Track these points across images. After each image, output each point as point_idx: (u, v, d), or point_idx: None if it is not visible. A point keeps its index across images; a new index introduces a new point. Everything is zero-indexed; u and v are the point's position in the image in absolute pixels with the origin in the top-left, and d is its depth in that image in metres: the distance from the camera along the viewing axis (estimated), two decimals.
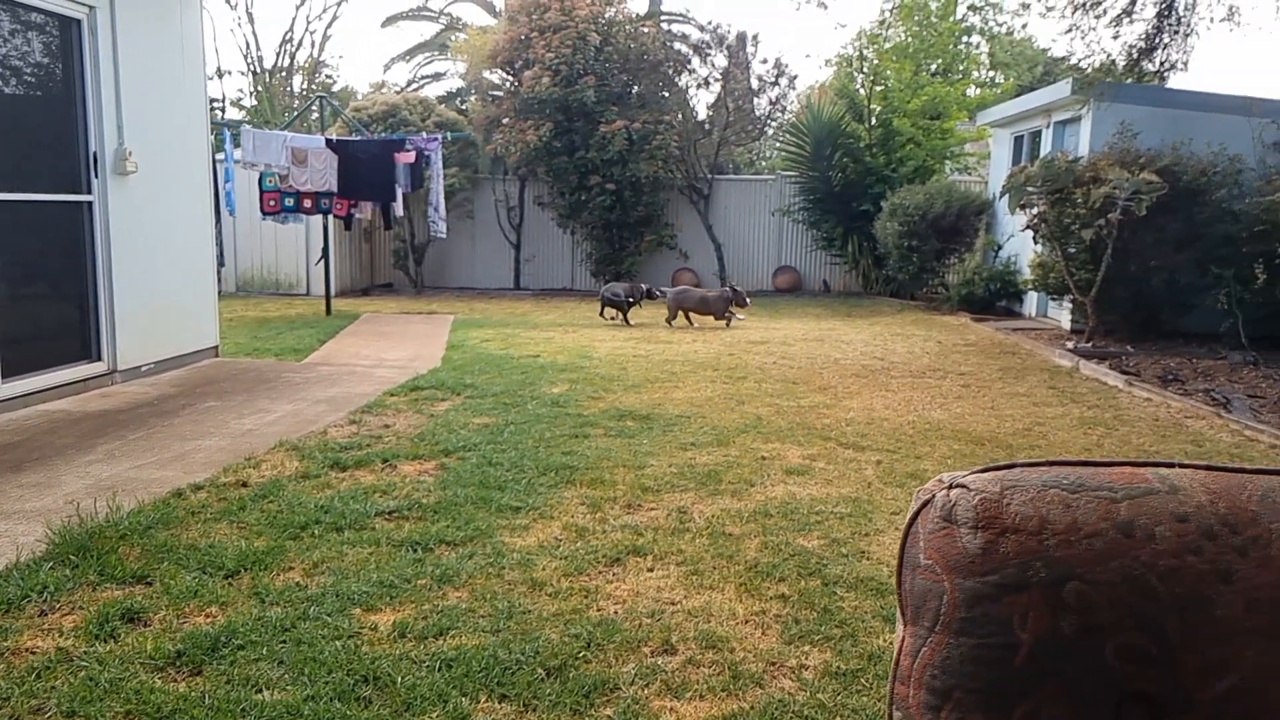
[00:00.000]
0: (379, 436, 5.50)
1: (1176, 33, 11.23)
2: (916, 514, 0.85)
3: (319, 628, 3.02)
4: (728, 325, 11.52)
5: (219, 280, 9.11)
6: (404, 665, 2.80)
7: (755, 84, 16.62)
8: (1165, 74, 11.41)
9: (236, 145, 11.22)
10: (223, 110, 22.17)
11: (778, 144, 18.28)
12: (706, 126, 16.88)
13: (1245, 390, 7.47)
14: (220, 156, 10.74)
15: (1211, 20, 12.71)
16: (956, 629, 0.78)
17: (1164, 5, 11.17)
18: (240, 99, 23.79)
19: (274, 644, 2.91)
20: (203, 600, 3.22)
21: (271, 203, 11.32)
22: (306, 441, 5.32)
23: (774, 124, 17.54)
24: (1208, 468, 0.82)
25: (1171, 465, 0.83)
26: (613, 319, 11.95)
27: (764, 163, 20.05)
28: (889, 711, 0.84)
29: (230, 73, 32.08)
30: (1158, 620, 0.75)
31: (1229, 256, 9.36)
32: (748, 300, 11.86)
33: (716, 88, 16.66)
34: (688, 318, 11.70)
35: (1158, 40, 11.26)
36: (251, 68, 22.89)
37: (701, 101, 17.51)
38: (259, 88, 22.49)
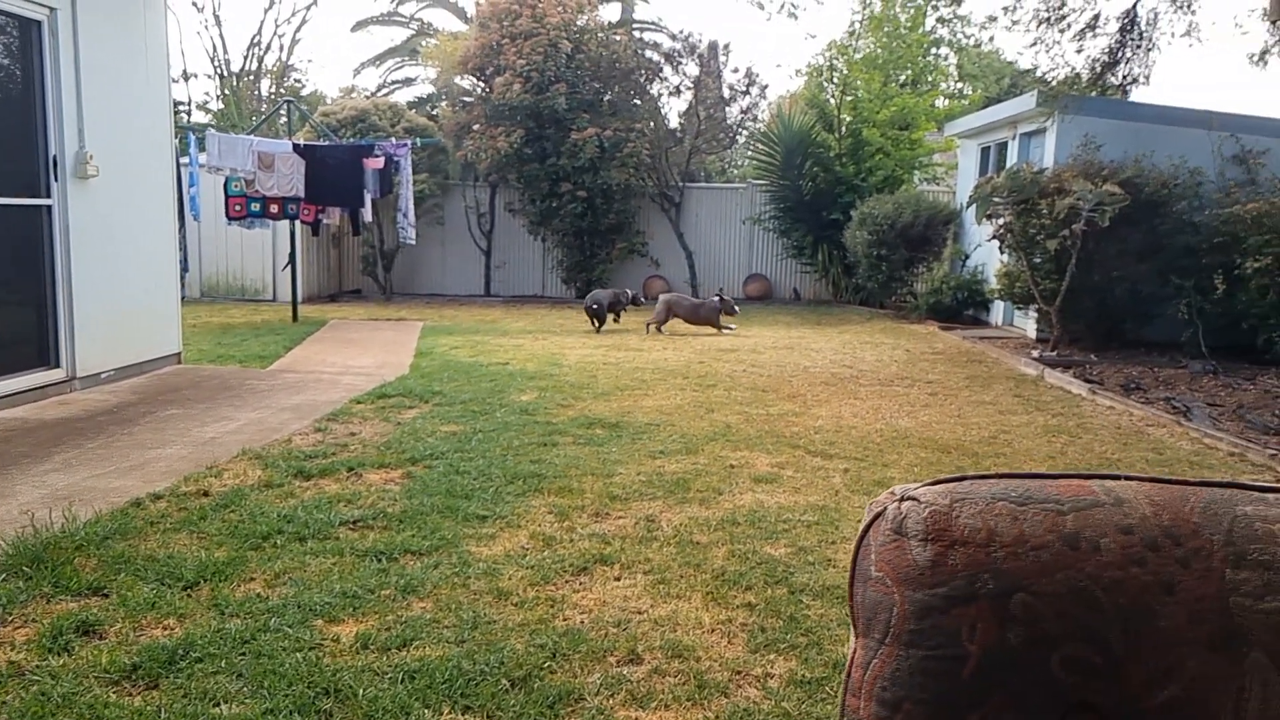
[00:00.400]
0: (345, 445, 5.44)
1: (1139, 47, 11.45)
2: (869, 526, 0.85)
3: (279, 639, 2.98)
4: (719, 332, 11.60)
5: (183, 286, 8.98)
6: (366, 677, 2.77)
7: (727, 93, 16.73)
8: (1128, 88, 11.63)
9: (202, 149, 11.09)
10: (188, 113, 21.90)
11: (749, 153, 18.39)
12: (678, 134, 16.94)
13: (1205, 398, 7.60)
14: (185, 160, 10.60)
15: (1173, 35, 12.99)
16: (906, 641, 0.79)
17: (1126, 20, 11.38)
18: (207, 102, 23.55)
19: (233, 656, 2.87)
20: (160, 612, 3.16)
21: (237, 208, 11.20)
22: (270, 450, 5.25)
23: (745, 133, 17.65)
24: (1152, 480, 0.83)
25: (1117, 478, 0.84)
26: (599, 328, 12.00)
27: (735, 171, 20.16)
28: None
29: (196, 75, 31.75)
30: (1102, 631, 0.76)
31: (1189, 267, 9.54)
32: (736, 309, 11.96)
33: (688, 96, 16.74)
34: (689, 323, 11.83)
35: (1120, 54, 11.47)
36: (218, 71, 22.65)
37: (673, 110, 17.60)
38: (226, 91, 22.25)
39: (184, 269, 9.69)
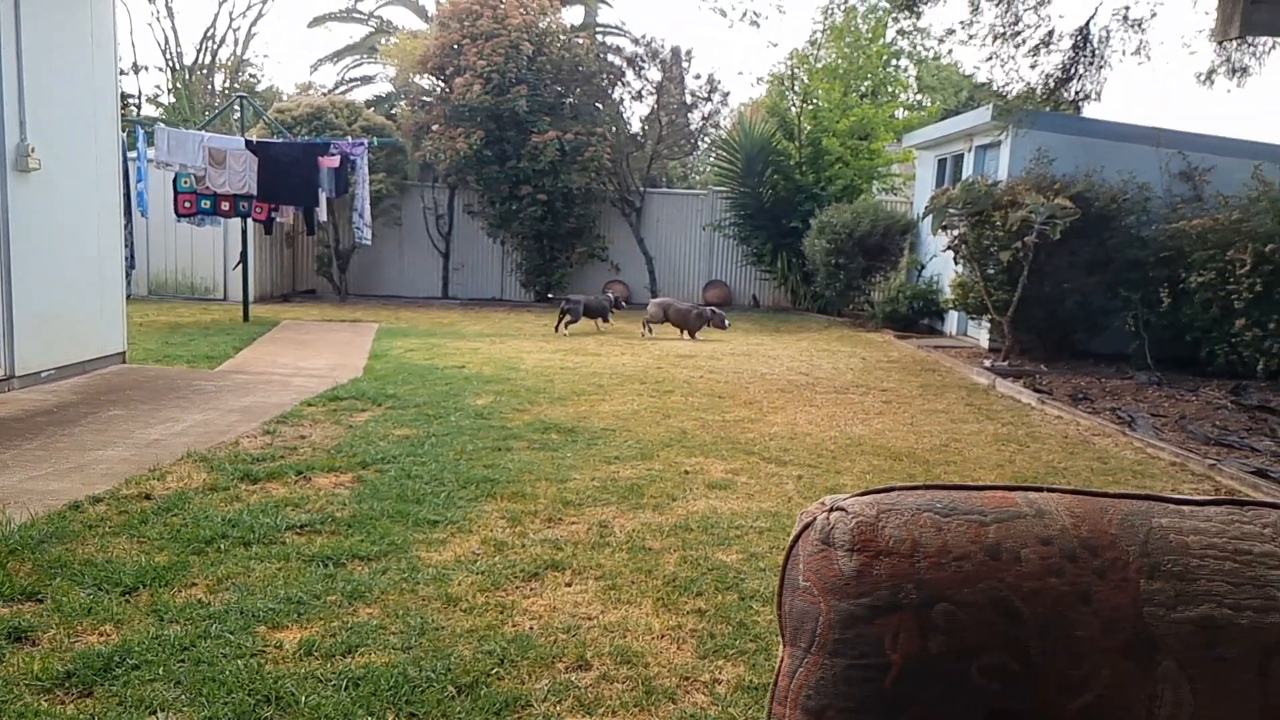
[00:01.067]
0: (294, 448, 5.35)
1: (1091, 64, 11.71)
2: (798, 537, 0.86)
3: (220, 646, 2.92)
4: (693, 339, 11.86)
5: (129, 283, 8.79)
6: (309, 684, 2.73)
7: (689, 99, 16.79)
8: (1080, 103, 11.88)
9: (150, 144, 10.86)
10: (138, 107, 21.46)
11: (711, 159, 18.48)
12: (640, 139, 16.97)
13: (1149, 409, 7.77)
14: (133, 155, 10.38)
15: (1124, 53, 13.27)
16: (831, 650, 0.79)
17: (1080, 38, 11.63)
18: (158, 95, 23.08)
19: (171, 663, 2.80)
20: (97, 618, 3.08)
21: (186, 204, 10.98)
22: (216, 452, 5.15)
23: (707, 139, 17.74)
24: (1074, 492, 0.84)
25: (1040, 489, 0.85)
26: (564, 327, 12.16)
27: (697, 177, 20.24)
28: None
29: (147, 68, 31.06)
30: (1021, 640, 0.77)
31: (1137, 280, 9.76)
32: (726, 323, 12.17)
33: (650, 101, 16.78)
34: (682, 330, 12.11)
35: (1073, 71, 11.71)
36: (170, 63, 22.22)
37: (635, 114, 17.60)
38: (178, 84, 21.82)
39: (130, 266, 9.50)
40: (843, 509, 0.83)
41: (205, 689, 2.67)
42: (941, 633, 0.76)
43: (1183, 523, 0.82)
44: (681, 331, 12.07)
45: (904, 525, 0.80)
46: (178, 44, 23.09)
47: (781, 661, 0.85)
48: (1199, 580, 0.79)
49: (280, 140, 12.09)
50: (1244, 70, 11.49)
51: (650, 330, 12.04)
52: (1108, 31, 11.45)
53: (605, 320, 12.53)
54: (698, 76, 16.75)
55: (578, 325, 12.20)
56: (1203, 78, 12.12)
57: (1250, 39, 10.71)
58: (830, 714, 0.78)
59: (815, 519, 0.84)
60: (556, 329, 11.94)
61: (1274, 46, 11.10)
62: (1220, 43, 10.94)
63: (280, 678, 2.75)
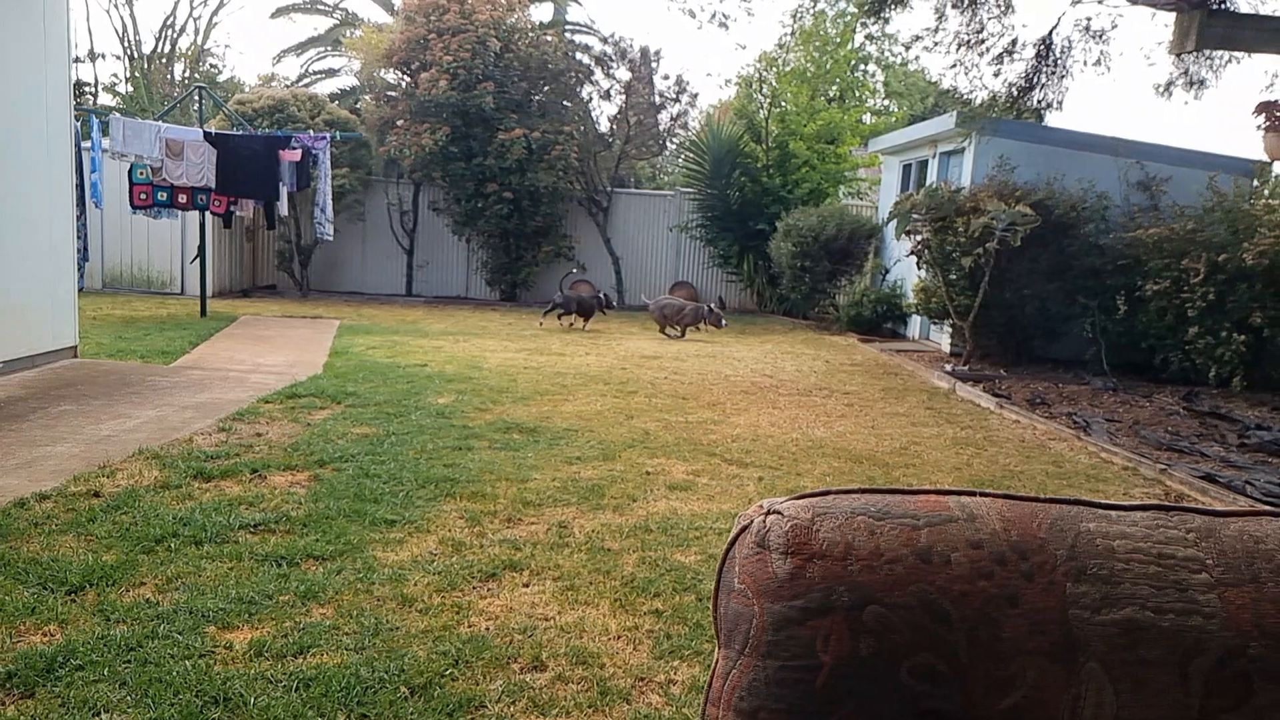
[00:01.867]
0: (249, 445, 5.28)
1: (1053, 74, 11.89)
2: (735, 539, 0.86)
3: (168, 647, 2.87)
4: (681, 336, 12.11)
5: (82, 276, 8.61)
6: (259, 685, 2.69)
7: (657, 99, 16.79)
8: (1043, 112, 12.06)
9: (106, 133, 10.65)
10: (95, 96, 21.03)
11: (680, 160, 18.51)
12: (608, 139, 16.95)
13: (1104, 414, 7.91)
14: (87, 145, 10.17)
15: (1085, 64, 13.47)
16: (764, 651, 0.79)
17: (1042, 47, 11.81)
18: (115, 84, 22.64)
19: (117, 664, 2.75)
20: (40, 618, 3.02)
21: (142, 196, 10.77)
22: (169, 450, 5.06)
23: (675, 140, 17.76)
24: (1006, 497, 0.85)
25: (974, 494, 0.86)
26: (569, 324, 12.59)
27: (666, 178, 20.27)
28: None
29: (104, 56, 30.38)
30: (949, 642, 0.77)
31: (1095, 288, 9.92)
32: (724, 323, 12.29)
33: (619, 100, 16.76)
34: (671, 327, 12.37)
35: (1036, 80, 11.89)
36: (128, 52, 21.80)
37: (604, 114, 17.56)
38: (136, 74, 21.42)
39: (83, 258, 9.30)
40: (779, 512, 0.84)
41: (151, 690, 2.62)
42: (872, 634, 0.77)
43: (1110, 527, 0.83)
44: (662, 328, 12.27)
45: (838, 529, 0.81)
46: (136, 32, 22.65)
47: (716, 663, 0.85)
48: (1123, 583, 0.80)
49: (240, 133, 11.92)
50: (1201, 83, 11.72)
51: (666, 332, 12.31)
52: (1070, 42, 11.63)
53: (587, 318, 12.74)
54: (666, 77, 16.77)
55: (552, 322, 12.24)
56: (1161, 89, 12.35)
57: (1207, 53, 10.92)
58: (762, 715, 0.78)
59: (752, 522, 0.85)
60: (542, 318, 12.43)
61: (1230, 60, 11.33)
62: (1178, 55, 11.17)
63: (229, 678, 2.71)
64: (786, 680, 0.78)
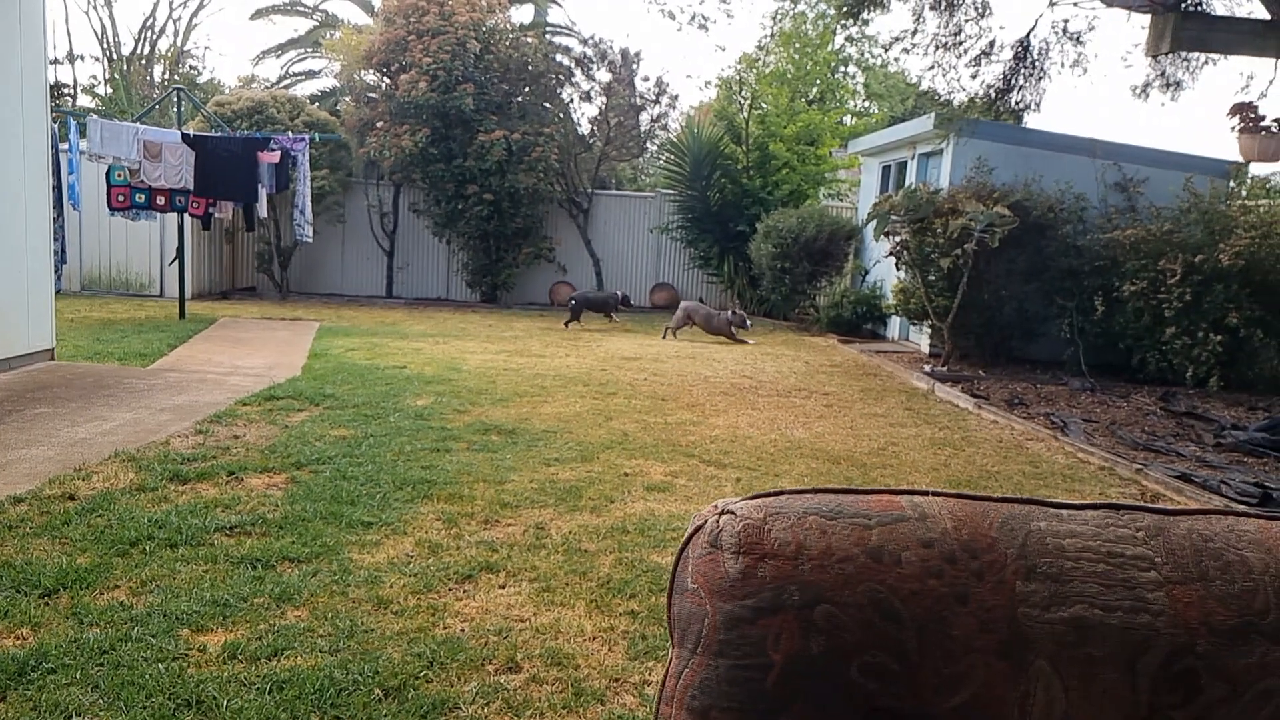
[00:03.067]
0: (226, 448, 5.24)
1: (1031, 75, 11.97)
2: (689, 540, 0.86)
3: (141, 649, 2.85)
4: (733, 340, 12.21)
5: (59, 278, 8.52)
6: (232, 688, 2.67)
7: (638, 101, 16.80)
8: (1021, 113, 12.14)
9: (83, 135, 10.55)
10: (73, 97, 20.82)
11: (660, 162, 18.53)
12: (589, 140, 16.94)
13: (1081, 415, 7.97)
14: (65, 146, 10.06)
15: (1063, 65, 13.58)
16: (715, 651, 0.80)
17: (1020, 49, 11.89)
18: (94, 85, 22.43)
19: (89, 667, 2.73)
20: (13, 621, 2.99)
21: (120, 198, 10.68)
22: (145, 452, 5.02)
23: (655, 142, 17.77)
24: (958, 496, 0.86)
25: (926, 493, 0.87)
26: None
27: (647, 179, 20.28)
28: None
29: (83, 57, 30.00)
30: (899, 640, 0.78)
31: (1072, 288, 9.99)
32: (748, 323, 12.36)
33: (599, 102, 16.76)
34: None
35: (1014, 81, 11.96)
36: (107, 53, 21.59)
37: (584, 115, 17.52)
38: (115, 75, 21.22)
39: (61, 260, 9.21)
40: (732, 512, 0.84)
41: (124, 693, 2.60)
42: (822, 633, 0.77)
43: (1060, 526, 0.84)
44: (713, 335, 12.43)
45: (790, 528, 0.81)
46: (115, 33, 22.35)
47: (670, 662, 0.85)
48: (1072, 582, 0.81)
49: (219, 134, 11.83)
50: (1177, 85, 11.83)
51: (677, 332, 12.49)
52: (1047, 43, 11.72)
53: (609, 318, 13.15)
54: (646, 79, 16.78)
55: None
56: (1138, 91, 12.46)
57: (1183, 55, 11.03)
58: (714, 714, 0.79)
59: (706, 522, 0.85)
60: (567, 325, 12.82)
61: (1206, 62, 11.45)
62: (1154, 57, 11.27)
63: (202, 681, 2.69)
64: (738, 679, 0.79)
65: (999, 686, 0.79)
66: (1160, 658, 0.80)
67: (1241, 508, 0.91)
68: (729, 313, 12.35)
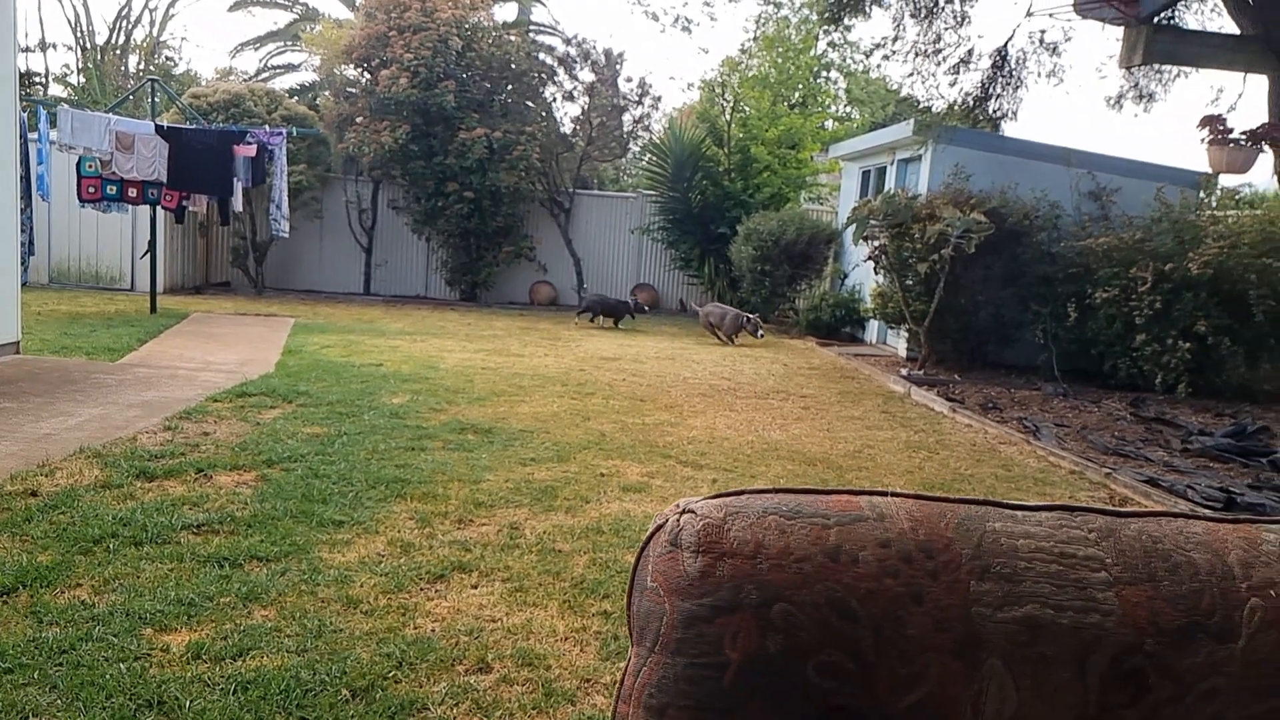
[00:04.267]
0: (196, 445, 5.18)
1: (1008, 84, 12.07)
2: (649, 539, 0.86)
3: (102, 649, 2.81)
4: (733, 344, 12.29)
5: (26, 270, 8.39)
6: (195, 688, 2.64)
7: (620, 101, 16.79)
8: (998, 121, 12.24)
9: (53, 125, 10.41)
10: (45, 86, 20.53)
11: (642, 162, 18.53)
12: (571, 140, 16.92)
13: (1054, 419, 8.04)
14: (34, 136, 9.92)
15: (1039, 75, 13.72)
16: (673, 649, 0.80)
17: (998, 58, 11.99)
18: (67, 75, 22.13)
19: (48, 667, 2.69)
20: None
21: (91, 189, 10.54)
22: (112, 448, 4.95)
23: (638, 142, 17.78)
24: (916, 497, 0.86)
25: (885, 494, 0.87)
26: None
27: (629, 179, 20.28)
28: None
29: (55, 46, 29.53)
30: (855, 639, 0.78)
31: (1046, 295, 10.09)
32: (760, 333, 12.33)
33: (582, 102, 16.74)
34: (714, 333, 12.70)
35: (991, 90, 12.06)
36: (81, 42, 21.31)
37: (567, 115, 17.50)
38: (89, 65, 20.95)
39: (29, 252, 9.08)
40: (693, 512, 0.84)
41: (83, 693, 2.56)
42: (779, 632, 0.78)
43: (1015, 527, 0.84)
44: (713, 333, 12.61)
45: (749, 527, 0.81)
46: (89, 22, 22.10)
47: (629, 661, 0.85)
48: (1025, 582, 0.82)
49: (194, 127, 11.71)
50: (1150, 96, 11.97)
51: (727, 338, 12.54)
52: (1024, 53, 11.82)
53: (616, 324, 13.34)
54: (629, 79, 16.77)
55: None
56: (1112, 101, 12.60)
57: (1156, 67, 11.16)
58: (671, 712, 0.79)
59: (666, 521, 0.85)
60: (617, 325, 13.27)
61: (1179, 75, 11.59)
62: (1128, 69, 11.40)
63: (165, 681, 2.65)
64: (695, 677, 0.79)
65: (953, 685, 0.79)
66: (1109, 657, 0.81)
67: (1189, 509, 0.92)
68: (743, 315, 12.40)
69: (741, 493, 0.86)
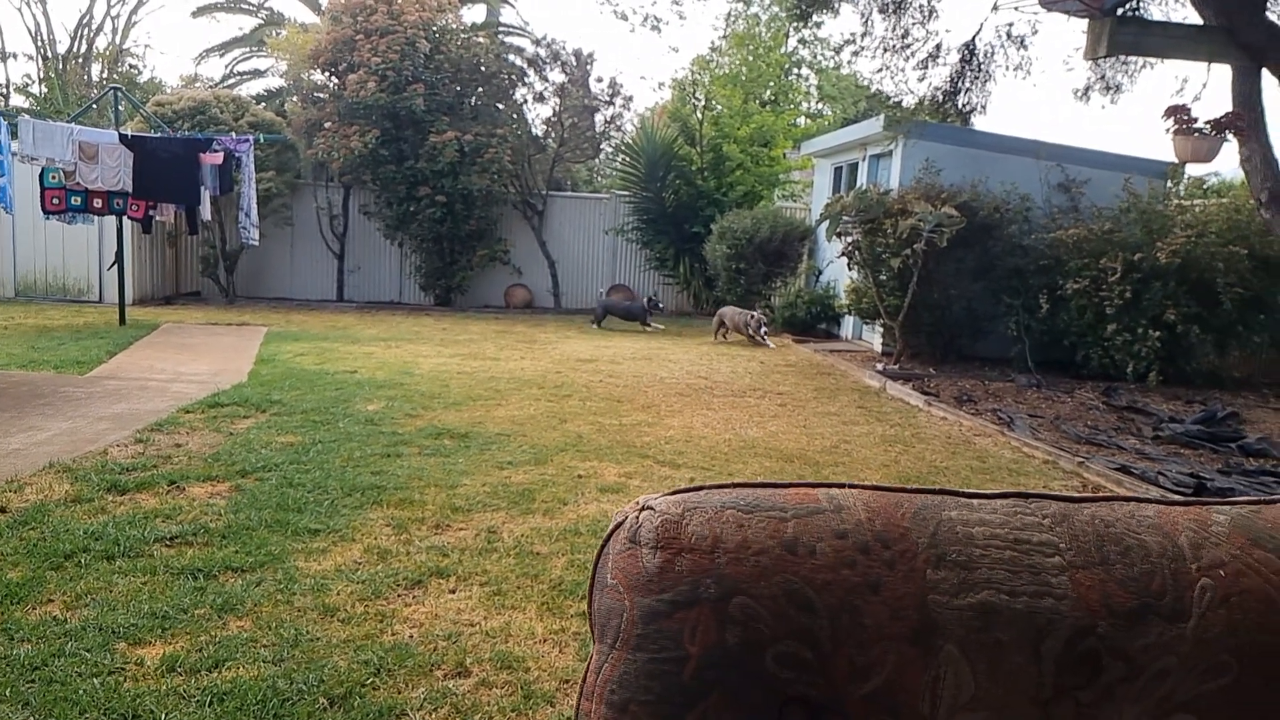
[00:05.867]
0: (168, 457, 5.13)
1: (977, 78, 12.17)
2: (609, 536, 0.86)
3: (75, 664, 2.78)
4: (753, 342, 12.31)
5: None
6: (170, 701, 2.62)
7: (592, 102, 16.78)
8: (968, 115, 12.34)
9: (15, 136, 10.26)
10: (5, 97, 20.24)
11: (616, 163, 18.52)
12: (543, 142, 16.88)
13: (1027, 410, 8.12)
14: None
15: (1007, 68, 13.83)
16: (634, 645, 0.80)
17: (966, 52, 12.08)
18: (28, 85, 21.81)
19: (20, 684, 2.65)
20: None
21: (55, 201, 10.40)
22: (82, 462, 4.89)
23: (610, 143, 17.76)
24: (874, 488, 0.87)
25: (843, 486, 0.88)
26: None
27: (603, 180, 20.27)
28: None
29: (16, 56, 29.13)
30: (813, 630, 0.79)
31: (1018, 287, 10.18)
32: (763, 339, 12.24)
33: (553, 103, 16.71)
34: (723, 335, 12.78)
35: (960, 84, 12.15)
36: (42, 52, 21.02)
37: (538, 116, 17.45)
38: (51, 74, 20.67)
39: None
40: (652, 508, 0.84)
41: (56, 709, 2.54)
42: (738, 625, 0.78)
43: (970, 515, 0.85)
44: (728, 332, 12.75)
45: (707, 522, 0.82)
46: (50, 30, 21.80)
47: (591, 658, 0.86)
48: (980, 568, 0.83)
49: (159, 135, 11.57)
50: (1117, 88, 12.11)
51: (725, 338, 12.59)
52: (992, 47, 11.92)
53: (645, 324, 13.47)
54: (600, 80, 16.75)
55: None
56: (1079, 94, 12.73)
57: (1122, 58, 11.28)
58: (633, 707, 0.79)
59: (626, 518, 0.86)
60: (647, 325, 13.41)
61: (1145, 66, 11.73)
62: (1094, 60, 11.53)
63: (139, 695, 2.63)
64: (655, 672, 0.79)
65: (910, 672, 0.80)
66: (1063, 640, 0.82)
67: (1160, 495, 0.94)
68: (751, 316, 12.42)
69: (700, 488, 0.86)
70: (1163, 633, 0.83)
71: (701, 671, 0.78)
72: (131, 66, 22.73)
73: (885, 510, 0.85)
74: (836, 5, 11.87)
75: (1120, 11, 8.36)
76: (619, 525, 0.86)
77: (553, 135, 16.75)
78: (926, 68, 12.14)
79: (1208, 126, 7.37)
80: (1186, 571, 0.86)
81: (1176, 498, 0.93)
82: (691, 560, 0.80)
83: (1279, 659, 0.85)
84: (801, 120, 21.37)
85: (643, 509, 0.85)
